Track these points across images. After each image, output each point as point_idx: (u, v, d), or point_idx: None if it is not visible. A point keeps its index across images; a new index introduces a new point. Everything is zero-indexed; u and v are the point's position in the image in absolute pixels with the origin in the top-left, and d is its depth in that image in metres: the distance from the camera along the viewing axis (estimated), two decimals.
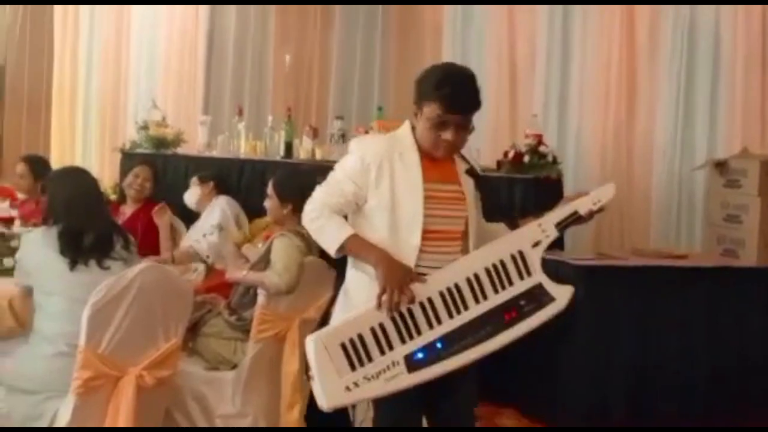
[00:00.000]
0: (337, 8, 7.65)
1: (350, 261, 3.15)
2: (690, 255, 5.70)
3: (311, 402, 3.20)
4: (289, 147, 6.00)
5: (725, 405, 5.19)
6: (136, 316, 3.25)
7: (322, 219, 3.05)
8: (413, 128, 3.12)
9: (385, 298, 2.89)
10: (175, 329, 3.43)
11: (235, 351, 4.09)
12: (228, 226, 5.18)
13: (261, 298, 3.97)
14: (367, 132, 5.83)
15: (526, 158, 5.75)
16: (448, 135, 3.02)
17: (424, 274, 2.98)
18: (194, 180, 5.49)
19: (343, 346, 2.88)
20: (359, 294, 3.07)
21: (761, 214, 5.31)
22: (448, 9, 7.41)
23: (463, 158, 3.23)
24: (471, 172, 3.20)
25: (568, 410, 5.03)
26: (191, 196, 5.45)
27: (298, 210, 4.12)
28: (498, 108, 7.06)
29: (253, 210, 5.29)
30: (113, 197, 5.83)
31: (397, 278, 2.91)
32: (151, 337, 3.35)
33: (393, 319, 2.92)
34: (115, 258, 3.52)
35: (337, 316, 3.13)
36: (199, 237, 5.15)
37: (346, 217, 3.09)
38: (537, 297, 3.03)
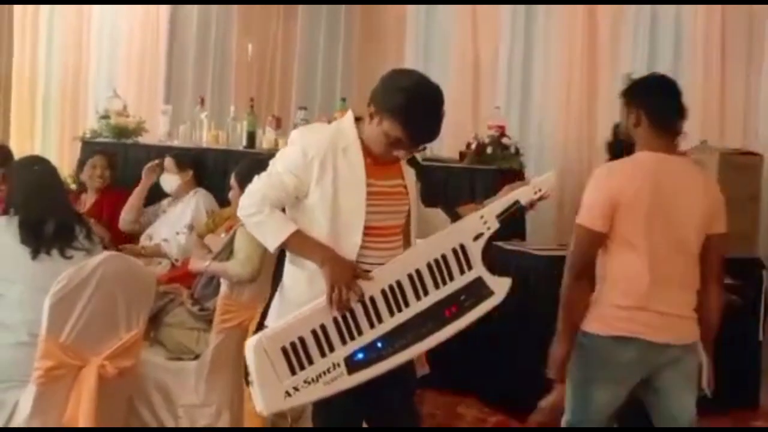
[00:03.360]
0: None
1: (288, 257, 3.02)
2: None
3: None
4: (251, 137, 5.99)
5: None
6: (97, 305, 3.25)
7: (262, 215, 2.89)
8: (357, 119, 3.03)
9: (334, 296, 2.80)
10: (137, 319, 3.43)
11: (197, 341, 4.09)
12: (198, 226, 5.13)
13: (224, 287, 3.96)
14: (329, 123, 5.81)
15: (489, 150, 5.77)
16: (401, 153, 2.96)
17: (368, 271, 2.90)
18: (169, 162, 5.37)
19: (284, 350, 2.80)
20: (296, 290, 2.97)
21: None
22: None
23: None
24: (412, 162, 3.11)
25: (528, 399, 5.07)
26: (170, 184, 5.36)
27: None
28: (461, 100, 7.06)
29: (215, 200, 5.28)
30: (73, 186, 5.79)
31: (345, 276, 2.83)
32: (112, 326, 3.35)
33: (335, 320, 2.83)
34: (77, 247, 3.51)
35: (274, 315, 3.02)
36: (171, 234, 5.13)
37: (283, 210, 2.97)
38: (476, 291, 2.98)
